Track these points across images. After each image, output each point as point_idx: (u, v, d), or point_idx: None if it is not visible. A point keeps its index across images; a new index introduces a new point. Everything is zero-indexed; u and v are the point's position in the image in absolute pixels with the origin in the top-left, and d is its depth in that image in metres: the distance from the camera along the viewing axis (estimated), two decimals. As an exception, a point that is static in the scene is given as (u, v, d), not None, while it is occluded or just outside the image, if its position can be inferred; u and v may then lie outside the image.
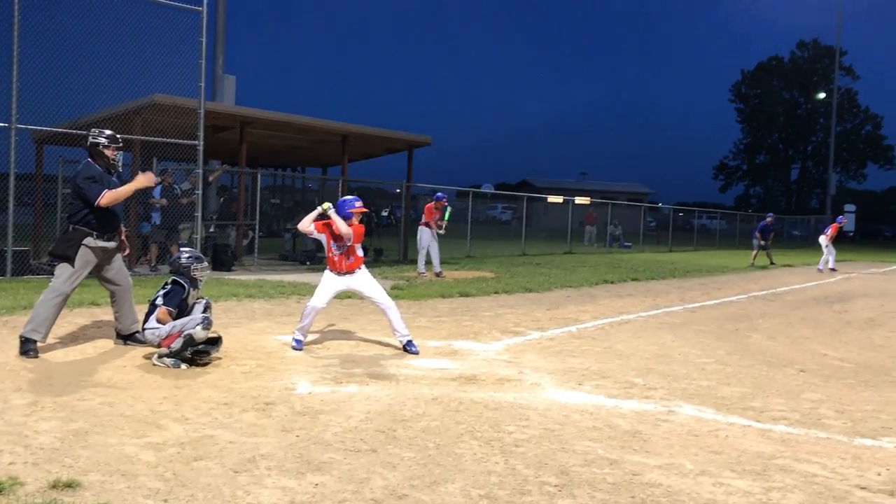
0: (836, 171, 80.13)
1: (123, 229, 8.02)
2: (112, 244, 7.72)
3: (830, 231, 25.95)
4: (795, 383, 7.66)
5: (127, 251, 8.14)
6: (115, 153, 7.67)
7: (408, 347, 8.26)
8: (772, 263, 28.02)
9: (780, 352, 9.47)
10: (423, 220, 17.73)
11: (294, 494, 4.12)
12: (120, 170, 7.88)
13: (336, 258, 8.18)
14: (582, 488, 4.42)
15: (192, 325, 7.12)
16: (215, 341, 7.39)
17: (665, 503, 4.24)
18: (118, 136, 7.78)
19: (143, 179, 7.75)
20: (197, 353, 7.20)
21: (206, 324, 7.15)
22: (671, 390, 7.07)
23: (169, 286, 7.43)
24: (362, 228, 8.28)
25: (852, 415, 6.44)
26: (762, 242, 27.83)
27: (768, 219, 28.85)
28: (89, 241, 7.48)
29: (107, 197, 7.41)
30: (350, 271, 8.21)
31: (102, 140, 7.59)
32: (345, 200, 8.25)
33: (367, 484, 4.33)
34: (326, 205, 8.04)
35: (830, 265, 25.66)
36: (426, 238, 17.56)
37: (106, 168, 7.62)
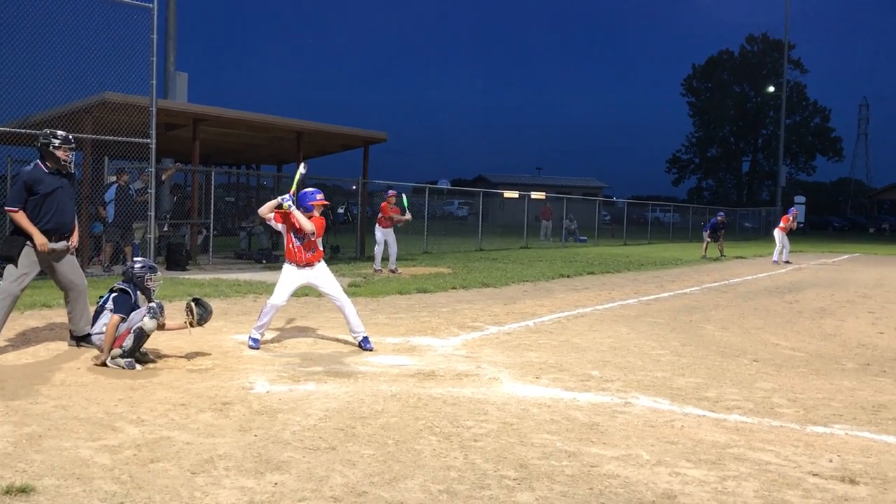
0: (786, 164, 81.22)
1: (76, 231, 7.89)
2: (61, 245, 7.60)
3: (782, 223, 26.22)
4: (748, 373, 7.78)
5: (74, 246, 7.97)
6: (68, 154, 7.57)
7: (363, 344, 8.25)
8: (722, 255, 28.36)
9: (733, 342, 9.62)
10: (381, 215, 17.67)
11: (253, 494, 4.10)
12: (72, 170, 7.77)
13: (296, 249, 8.13)
14: (541, 481, 4.45)
15: (138, 318, 7.06)
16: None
17: (623, 494, 4.29)
18: (70, 136, 7.67)
19: (39, 241, 7.45)
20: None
21: (153, 313, 7.07)
22: (627, 382, 7.15)
23: (115, 293, 7.35)
24: (323, 221, 8.23)
25: (804, 403, 6.57)
26: (709, 240, 28.20)
27: (719, 217, 29.27)
28: (29, 244, 7.38)
29: (14, 214, 7.32)
30: (310, 264, 8.18)
31: (55, 141, 7.47)
32: (305, 193, 8.20)
33: (327, 482, 4.32)
34: (286, 204, 7.96)
35: (784, 257, 25.93)
36: (381, 234, 17.54)
37: (57, 169, 7.51)
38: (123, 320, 7.10)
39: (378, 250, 17.63)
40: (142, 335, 7.02)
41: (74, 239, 7.88)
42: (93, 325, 7.45)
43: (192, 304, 7.48)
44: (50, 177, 7.46)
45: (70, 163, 7.64)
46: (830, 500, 4.31)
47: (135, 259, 7.89)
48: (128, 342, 6.99)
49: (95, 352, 7.30)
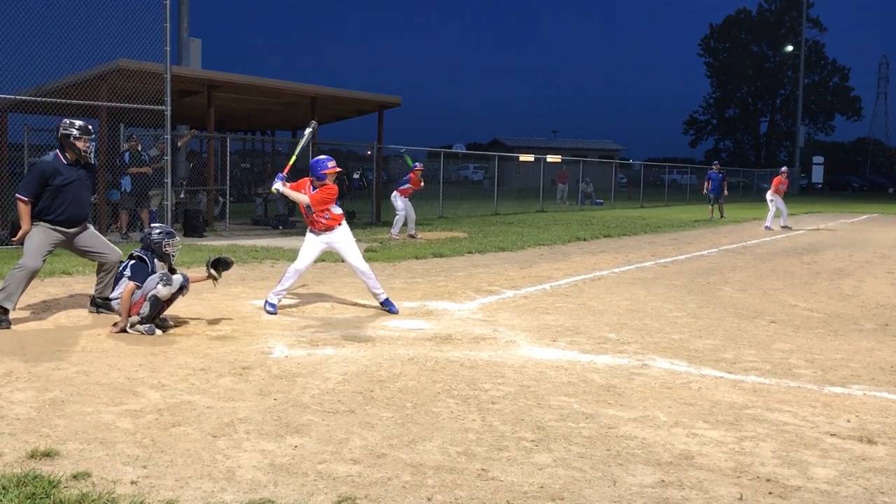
0: (805, 124, 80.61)
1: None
2: (73, 230, 7.60)
3: (774, 185, 23.89)
4: (766, 334, 7.77)
5: None
6: (87, 144, 7.47)
7: (386, 306, 8.30)
8: (712, 218, 27.83)
9: (750, 304, 9.59)
10: (410, 187, 17.61)
11: (273, 457, 4.14)
12: (92, 161, 7.70)
13: (310, 218, 8.18)
14: (558, 442, 4.48)
15: (153, 285, 7.08)
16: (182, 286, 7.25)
17: (640, 455, 4.31)
18: (90, 126, 7.61)
19: (19, 235, 7.46)
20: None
21: (166, 281, 7.07)
22: (644, 344, 7.15)
23: (133, 261, 7.38)
24: (332, 190, 8.19)
25: (822, 364, 6.55)
26: (709, 194, 27.68)
27: (714, 167, 29.02)
28: (43, 223, 7.41)
29: (20, 203, 7.33)
30: (329, 228, 8.21)
31: (74, 132, 7.39)
32: (318, 160, 8.18)
33: (346, 444, 4.36)
34: (275, 188, 8.01)
35: (783, 222, 23.91)
36: (402, 203, 17.52)
37: (75, 160, 7.49)
38: (139, 287, 7.13)
39: (400, 218, 17.60)
40: (156, 302, 7.06)
41: None
42: (113, 290, 7.52)
43: (212, 269, 7.49)
44: (68, 168, 7.42)
45: (89, 153, 7.55)
46: (848, 459, 4.32)
47: (152, 225, 7.89)
48: (144, 309, 7.04)
49: (116, 318, 7.37)
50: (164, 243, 7.50)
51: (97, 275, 7.97)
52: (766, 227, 23.33)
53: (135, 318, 7.07)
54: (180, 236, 13.59)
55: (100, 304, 7.92)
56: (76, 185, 7.49)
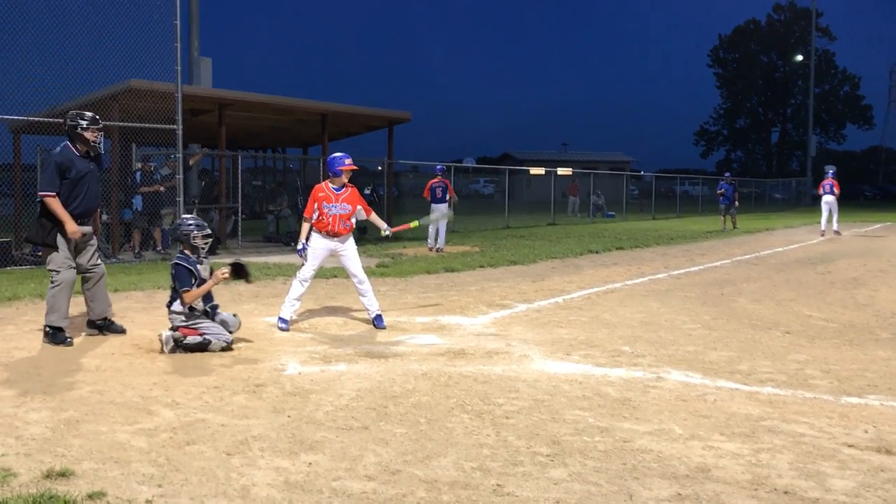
0: (816, 133, 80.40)
1: (100, 214, 7.98)
2: (86, 228, 7.62)
3: (834, 188, 24.25)
4: (781, 345, 7.73)
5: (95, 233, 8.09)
6: (96, 135, 7.54)
7: (376, 322, 8.33)
8: (724, 229, 27.66)
9: (765, 314, 9.54)
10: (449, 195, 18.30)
11: (288, 474, 4.14)
12: (101, 152, 7.78)
13: (330, 219, 8.17)
14: (573, 457, 4.46)
15: (214, 333, 7.06)
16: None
17: (656, 468, 4.29)
18: (97, 116, 7.66)
19: (71, 229, 7.41)
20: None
21: (226, 341, 7.09)
22: (659, 357, 7.12)
23: (173, 270, 7.25)
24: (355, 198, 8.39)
25: (838, 374, 6.51)
26: (728, 212, 27.63)
27: (727, 177, 29.06)
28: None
29: (50, 200, 7.27)
30: (341, 235, 8.24)
31: (83, 122, 7.45)
32: (334, 158, 8.32)
33: (361, 461, 4.35)
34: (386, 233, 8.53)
35: (835, 227, 24.37)
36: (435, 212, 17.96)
37: (85, 152, 7.54)
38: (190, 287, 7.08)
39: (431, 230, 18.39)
40: (204, 348, 6.99)
41: (97, 227, 8.00)
42: (170, 304, 7.32)
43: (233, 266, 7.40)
44: (80, 160, 7.47)
45: (98, 143, 7.62)
46: (866, 470, 4.28)
47: (184, 217, 7.71)
48: (192, 340, 6.98)
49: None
50: (192, 235, 7.26)
51: (85, 292, 7.86)
52: (836, 232, 24.49)
53: (178, 336, 6.99)
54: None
55: (101, 325, 7.87)
56: (89, 178, 7.55)
